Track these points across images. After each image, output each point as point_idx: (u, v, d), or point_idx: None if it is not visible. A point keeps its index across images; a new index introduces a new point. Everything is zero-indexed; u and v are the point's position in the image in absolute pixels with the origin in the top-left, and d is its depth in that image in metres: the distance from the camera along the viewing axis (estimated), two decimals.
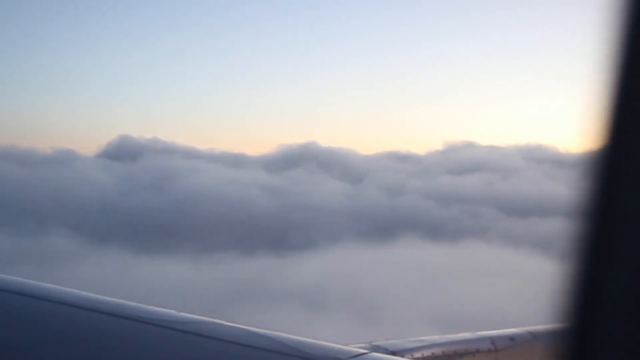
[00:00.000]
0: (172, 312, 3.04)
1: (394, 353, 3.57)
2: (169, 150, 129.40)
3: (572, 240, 1.07)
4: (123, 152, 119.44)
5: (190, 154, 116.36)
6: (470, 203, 79.83)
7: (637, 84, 1.02)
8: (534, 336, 4.15)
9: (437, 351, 3.81)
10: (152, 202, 70.74)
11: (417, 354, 3.71)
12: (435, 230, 63.70)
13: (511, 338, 4.10)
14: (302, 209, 71.73)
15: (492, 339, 4.03)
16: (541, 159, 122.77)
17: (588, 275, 1.06)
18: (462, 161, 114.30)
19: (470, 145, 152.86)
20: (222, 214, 66.52)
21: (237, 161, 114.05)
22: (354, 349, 2.89)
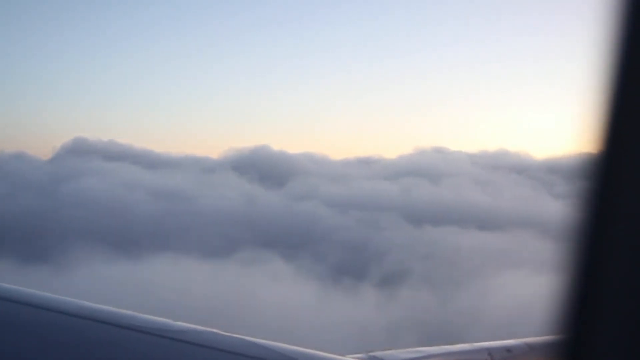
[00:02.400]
0: (169, 321, 3.02)
1: None
2: (122, 154, 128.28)
3: (566, 249, 1.06)
4: (76, 155, 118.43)
5: (130, 157, 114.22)
6: (377, 210, 76.37)
7: (632, 88, 1.01)
8: (530, 348, 4.09)
9: None
10: (24, 206, 68.43)
11: None
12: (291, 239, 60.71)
13: (508, 349, 4.04)
14: (183, 214, 68.83)
15: (489, 350, 3.99)
16: (498, 166, 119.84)
17: (583, 285, 1.05)
18: (407, 167, 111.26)
19: (439, 151, 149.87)
20: (88, 218, 63.88)
21: (166, 164, 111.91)
22: (352, 359, 3.17)
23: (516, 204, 79.92)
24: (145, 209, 69.02)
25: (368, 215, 74.21)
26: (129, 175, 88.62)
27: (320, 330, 31.33)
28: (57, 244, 52.89)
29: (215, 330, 2.98)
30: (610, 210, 1.02)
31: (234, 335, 2.96)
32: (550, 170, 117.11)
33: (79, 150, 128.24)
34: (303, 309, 37.73)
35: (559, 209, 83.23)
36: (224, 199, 77.54)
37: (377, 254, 55.16)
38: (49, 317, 2.98)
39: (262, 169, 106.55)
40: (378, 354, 3.54)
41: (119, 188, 77.53)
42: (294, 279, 45.18)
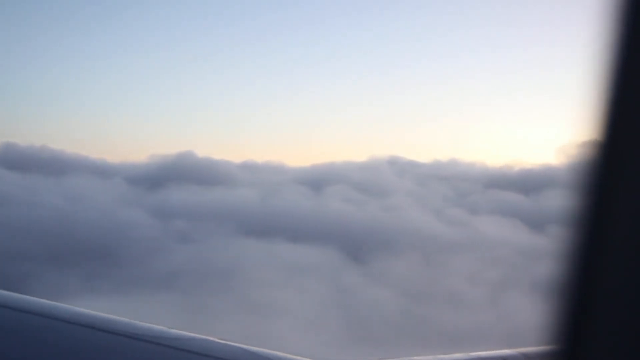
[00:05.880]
0: (164, 328, 3.02)
1: None
2: (54, 159, 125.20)
3: (562, 257, 1.06)
4: (6, 161, 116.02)
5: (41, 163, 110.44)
6: (217, 220, 69.90)
7: (629, 92, 1.00)
8: (526, 358, 3.93)
9: None
10: None
11: None
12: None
13: (503, 359, 3.94)
14: None
15: None
16: (434, 176, 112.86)
17: (579, 295, 1.05)
18: (319, 175, 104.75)
19: (392, 160, 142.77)
20: None
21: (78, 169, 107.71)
22: None
23: (377, 217, 72.19)
24: None
25: (196, 225, 68.04)
26: None
27: None
28: None
29: (209, 338, 2.96)
30: (605, 215, 1.00)
31: (228, 342, 2.96)
32: (489, 180, 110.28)
33: (6, 155, 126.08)
34: None
35: (429, 222, 77.29)
36: (48, 207, 72.02)
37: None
38: (44, 324, 2.92)
39: (169, 176, 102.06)
40: None
41: None
42: None
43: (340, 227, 66.31)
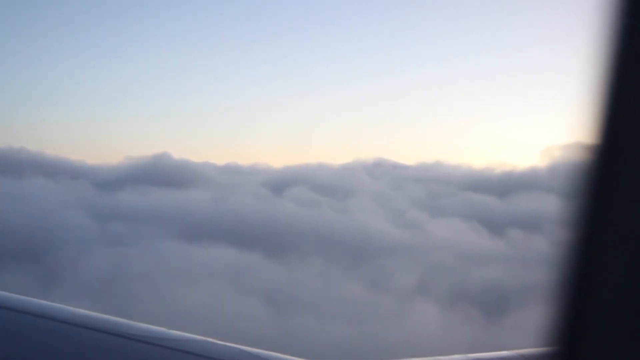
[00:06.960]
0: (163, 329, 3.01)
1: None
2: (31, 161, 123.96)
3: (561, 261, 1.06)
4: None
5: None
6: (157, 222, 67.40)
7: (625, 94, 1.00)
8: (525, 359, 3.87)
9: None
10: None
11: None
12: None
13: None
14: None
15: None
16: (410, 178, 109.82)
17: (577, 297, 1.06)
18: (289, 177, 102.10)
19: (377, 163, 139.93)
20: None
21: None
22: None
23: (325, 219, 69.10)
24: None
25: (136, 228, 65.54)
26: None
27: None
28: None
29: (209, 339, 2.96)
30: (603, 215, 1.00)
31: (227, 344, 2.96)
32: (469, 183, 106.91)
33: None
34: None
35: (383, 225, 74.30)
36: None
37: None
38: (44, 325, 2.91)
39: (140, 177, 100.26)
40: None
41: None
42: None
43: (282, 229, 63.53)
